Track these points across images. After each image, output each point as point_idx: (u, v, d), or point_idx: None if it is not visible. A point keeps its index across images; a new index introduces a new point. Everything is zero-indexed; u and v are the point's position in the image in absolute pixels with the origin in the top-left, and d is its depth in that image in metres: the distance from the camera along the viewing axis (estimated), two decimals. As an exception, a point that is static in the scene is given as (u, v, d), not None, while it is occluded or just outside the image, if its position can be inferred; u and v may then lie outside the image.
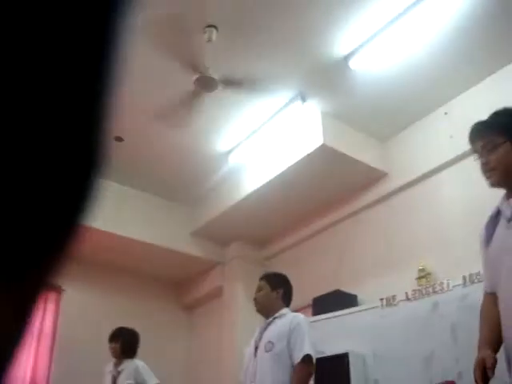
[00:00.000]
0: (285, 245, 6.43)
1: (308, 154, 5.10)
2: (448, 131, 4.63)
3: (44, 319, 6.19)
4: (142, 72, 4.64)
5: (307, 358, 3.10)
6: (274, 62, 4.51)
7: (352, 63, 4.44)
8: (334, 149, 5.06)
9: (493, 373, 1.85)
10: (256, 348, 3.28)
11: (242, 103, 4.98)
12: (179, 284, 7.51)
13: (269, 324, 3.34)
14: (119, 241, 6.22)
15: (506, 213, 1.95)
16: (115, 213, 6.17)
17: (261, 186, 5.62)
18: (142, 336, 6.71)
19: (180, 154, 5.75)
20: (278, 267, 6.52)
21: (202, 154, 5.75)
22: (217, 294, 6.88)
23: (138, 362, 4.79)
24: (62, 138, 0.35)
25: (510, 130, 2.00)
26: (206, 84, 4.56)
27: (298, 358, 3.10)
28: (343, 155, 5.12)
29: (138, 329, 6.66)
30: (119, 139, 5.54)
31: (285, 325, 3.25)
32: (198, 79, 4.52)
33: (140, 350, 6.51)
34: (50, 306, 6.30)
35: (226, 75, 4.57)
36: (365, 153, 5.30)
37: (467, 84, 4.68)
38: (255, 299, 3.50)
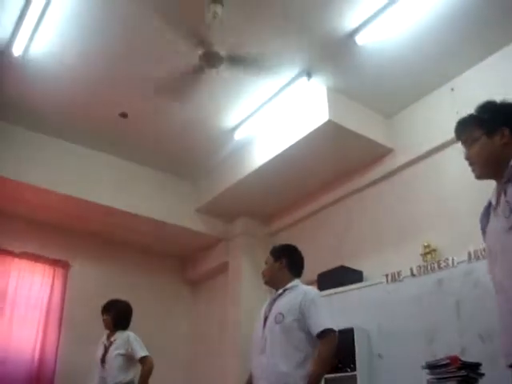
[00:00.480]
0: (289, 221, 6.45)
1: (314, 130, 5.09)
2: (454, 107, 4.60)
3: (52, 294, 6.26)
4: (147, 47, 4.62)
5: (328, 332, 3.06)
6: (279, 37, 4.47)
7: (358, 39, 4.39)
8: (340, 125, 5.04)
9: None
10: (265, 319, 3.22)
11: (248, 79, 4.96)
12: (184, 259, 7.56)
13: (279, 295, 3.28)
14: (125, 217, 6.26)
15: (492, 201, 2.01)
16: (120, 188, 6.21)
17: (266, 163, 5.62)
18: (148, 310, 6.80)
19: (185, 129, 5.74)
20: (283, 242, 6.54)
21: (207, 129, 5.75)
22: (222, 269, 6.92)
23: (129, 333, 4.81)
24: None
25: (485, 124, 2.05)
26: (211, 60, 4.52)
27: (317, 332, 3.05)
28: (349, 131, 5.10)
29: (143, 303, 6.75)
30: (124, 115, 5.54)
31: (296, 297, 3.19)
32: (203, 54, 4.49)
33: (145, 324, 6.58)
34: (58, 282, 6.36)
35: (232, 51, 4.53)
36: (370, 129, 5.28)
37: (474, 60, 4.63)
38: (262, 273, 3.48)
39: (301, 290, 3.27)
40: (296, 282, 3.35)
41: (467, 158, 2.11)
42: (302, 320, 3.11)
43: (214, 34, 4.34)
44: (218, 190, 6.33)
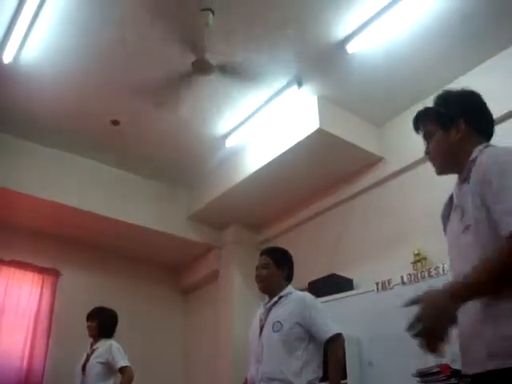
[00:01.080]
0: (280, 229, 6.45)
1: (304, 138, 5.10)
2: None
3: (41, 302, 6.21)
4: (139, 54, 4.62)
5: (337, 337, 3.07)
6: (270, 46, 4.48)
7: (349, 47, 4.41)
8: (330, 133, 5.06)
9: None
10: (261, 328, 3.19)
11: (239, 87, 4.96)
12: (176, 268, 7.53)
13: (275, 303, 3.24)
14: (116, 225, 6.24)
15: (454, 199, 1.90)
16: (111, 196, 6.19)
17: (257, 170, 5.62)
18: (139, 319, 6.77)
19: (177, 137, 5.74)
20: (277, 246, 6.54)
21: (198, 137, 5.74)
22: (213, 277, 6.90)
23: (112, 342, 4.77)
24: None
25: (440, 118, 1.95)
26: (202, 68, 4.53)
27: (326, 338, 3.05)
28: (339, 139, 5.11)
29: (134, 312, 6.73)
30: (116, 123, 5.52)
31: (294, 305, 3.17)
32: (195, 62, 4.49)
33: (137, 333, 6.57)
34: (47, 290, 6.32)
35: (223, 60, 4.54)
36: (361, 137, 5.30)
37: (465, 68, 4.65)
38: (260, 277, 3.37)
39: (296, 297, 3.25)
40: (290, 288, 3.33)
41: (426, 152, 2.02)
42: (304, 327, 3.08)
43: (206, 42, 4.35)
44: (210, 198, 6.32)
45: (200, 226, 6.76)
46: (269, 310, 3.24)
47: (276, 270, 3.35)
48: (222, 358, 6.18)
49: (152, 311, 7.09)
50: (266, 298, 3.37)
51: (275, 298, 3.26)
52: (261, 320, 3.24)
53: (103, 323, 4.86)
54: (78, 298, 6.27)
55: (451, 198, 1.94)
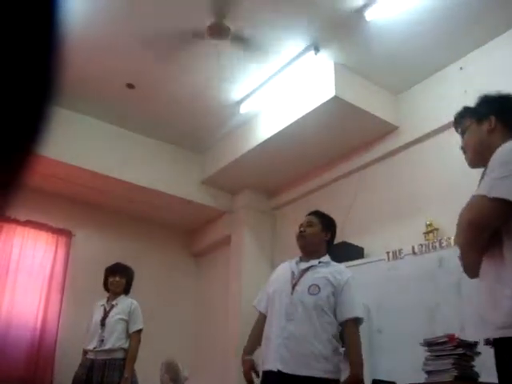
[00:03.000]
0: (293, 195, 6.46)
1: (319, 106, 5.06)
2: (462, 86, 4.57)
3: (55, 262, 6.30)
4: (155, 10, 4.57)
5: (359, 320, 3.04)
6: (288, 11, 4.43)
7: (368, 14, 4.35)
8: (346, 101, 5.02)
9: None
10: (293, 286, 3.08)
11: (255, 53, 4.92)
12: (188, 231, 7.59)
13: (312, 266, 3.15)
14: (129, 188, 6.27)
15: None
16: (125, 160, 6.21)
17: (271, 137, 5.61)
18: (151, 281, 6.86)
19: (192, 102, 5.72)
20: (285, 217, 6.60)
21: (214, 102, 5.72)
22: (225, 242, 6.96)
23: (133, 301, 4.86)
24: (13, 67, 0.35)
25: (474, 112, 2.18)
26: (219, 31, 4.49)
27: (348, 317, 3.00)
28: (355, 107, 5.07)
29: (146, 274, 6.82)
30: (131, 86, 5.51)
31: (332, 274, 3.09)
32: (211, 25, 4.45)
33: (149, 293, 6.67)
34: (61, 250, 6.40)
35: (240, 24, 4.50)
36: (376, 106, 5.26)
37: (484, 39, 4.58)
38: (303, 233, 3.25)
39: (336, 268, 3.17)
40: (328, 258, 3.24)
41: (462, 147, 2.21)
42: (333, 300, 3.02)
43: (224, 5, 4.30)
44: (224, 163, 6.33)
45: (213, 190, 6.79)
46: (304, 271, 3.15)
47: (321, 231, 3.27)
48: (232, 321, 6.26)
49: (164, 274, 7.18)
50: (298, 258, 3.27)
51: (314, 262, 3.16)
52: (293, 278, 3.13)
53: (130, 281, 4.95)
54: (92, 258, 6.36)
55: None
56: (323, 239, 3.27)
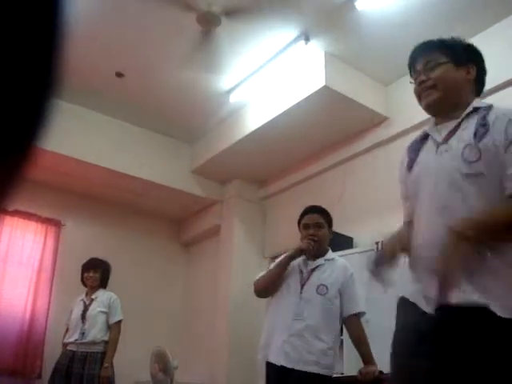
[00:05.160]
0: (283, 185, 6.46)
1: (309, 95, 5.06)
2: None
3: (44, 252, 6.27)
4: (143, 6, 4.54)
5: (362, 315, 3.16)
6: (278, 0, 4.41)
7: (358, 3, 4.34)
8: (336, 90, 5.01)
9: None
10: (302, 286, 3.16)
11: (245, 41, 4.90)
12: (178, 221, 7.58)
13: (320, 265, 3.21)
14: (118, 177, 6.24)
15: (437, 138, 1.87)
16: (115, 149, 6.18)
17: (261, 126, 5.60)
18: (140, 270, 6.86)
19: (181, 91, 5.69)
20: (275, 207, 6.60)
21: (203, 91, 5.70)
22: (214, 232, 6.95)
23: (112, 294, 4.98)
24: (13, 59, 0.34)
25: (454, 52, 1.93)
26: (208, 20, 4.46)
27: (353, 312, 3.13)
28: (345, 97, 5.07)
29: (136, 263, 6.82)
30: (120, 75, 5.48)
31: (337, 271, 3.18)
32: (200, 16, 4.43)
33: (138, 284, 6.68)
34: (50, 240, 6.37)
35: (229, 13, 4.47)
36: (367, 96, 5.25)
37: (478, 28, 4.57)
38: (317, 236, 3.23)
39: (341, 264, 3.25)
40: (331, 253, 3.32)
41: (425, 80, 1.91)
42: (339, 297, 3.13)
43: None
44: (213, 152, 6.31)
45: (203, 180, 6.77)
46: (312, 270, 3.21)
47: (328, 231, 3.32)
48: (221, 311, 6.28)
49: (153, 263, 7.17)
50: (303, 257, 3.30)
51: (321, 261, 3.24)
52: (302, 278, 3.21)
53: (105, 274, 5.01)
54: (81, 248, 6.33)
55: (425, 137, 1.95)
56: (328, 237, 3.34)
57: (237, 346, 5.95)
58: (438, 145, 1.85)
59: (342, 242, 5.07)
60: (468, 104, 1.86)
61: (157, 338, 6.12)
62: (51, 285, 6.20)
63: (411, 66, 2.04)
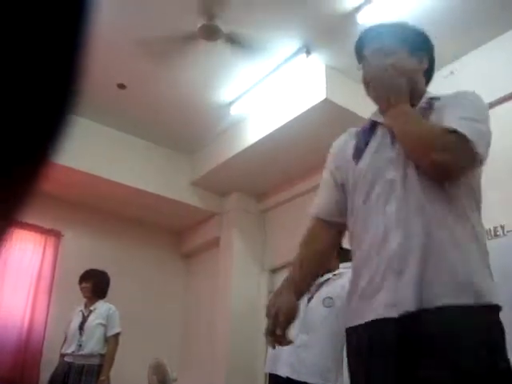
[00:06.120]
0: (282, 199, 6.46)
1: (310, 108, 5.07)
2: (452, 91, 4.58)
3: (43, 263, 6.26)
4: (145, 19, 4.56)
5: None
6: (279, 12, 4.43)
7: (359, 17, 4.36)
8: (337, 103, 5.02)
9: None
10: (309, 300, 3.17)
11: (246, 54, 4.92)
12: (177, 232, 7.57)
13: (328, 280, 3.23)
14: (118, 188, 6.25)
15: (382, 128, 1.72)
16: (114, 160, 6.18)
17: (261, 139, 5.61)
18: (140, 282, 6.84)
19: (183, 103, 5.71)
20: (275, 220, 6.60)
21: (204, 103, 5.71)
22: (214, 244, 6.94)
23: (111, 306, 4.92)
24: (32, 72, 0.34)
25: (407, 39, 1.78)
26: (210, 32, 4.49)
27: None
28: (346, 110, 5.08)
29: (135, 274, 6.79)
30: (122, 86, 5.49)
31: (345, 284, 3.14)
32: (202, 27, 4.45)
33: (137, 295, 6.65)
34: (49, 251, 6.36)
35: (231, 25, 4.49)
36: (367, 109, 5.23)
37: (475, 43, 4.60)
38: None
39: (348, 276, 3.22)
40: (340, 268, 3.32)
41: (383, 65, 1.71)
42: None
43: (215, 7, 4.29)
44: (213, 165, 6.32)
45: (202, 192, 6.77)
46: (320, 285, 3.22)
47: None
48: (220, 323, 6.25)
49: (153, 274, 7.15)
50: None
51: (329, 275, 3.25)
52: (309, 291, 3.16)
53: (97, 284, 4.95)
54: (80, 259, 6.32)
55: (373, 126, 1.82)
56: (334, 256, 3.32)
57: (236, 358, 5.92)
58: (390, 138, 1.67)
59: (344, 256, 5.04)
60: (421, 94, 1.76)
61: (156, 349, 6.09)
62: (50, 295, 6.17)
63: (359, 51, 1.86)
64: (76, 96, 0.36)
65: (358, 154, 1.75)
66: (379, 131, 1.75)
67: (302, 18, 4.50)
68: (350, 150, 1.81)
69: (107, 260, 6.04)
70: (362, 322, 1.55)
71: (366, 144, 1.75)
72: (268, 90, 5.40)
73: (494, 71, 4.34)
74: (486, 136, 1.57)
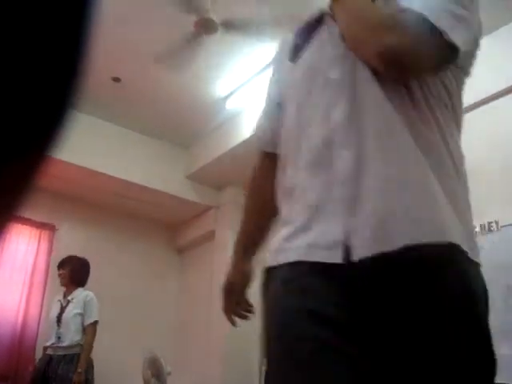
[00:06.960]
0: (278, 192, 6.45)
1: (306, 103, 5.05)
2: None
3: (37, 257, 6.24)
4: (140, 12, 4.54)
5: None
6: (275, 5, 4.41)
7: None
8: (333, 98, 5.01)
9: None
10: None
11: (242, 48, 4.90)
12: (173, 226, 7.56)
13: None
14: (113, 182, 6.23)
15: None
16: (109, 153, 6.16)
17: (257, 133, 5.59)
18: (135, 275, 6.83)
19: (178, 96, 5.69)
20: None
21: (200, 97, 5.70)
22: (209, 237, 6.94)
23: (89, 293, 4.79)
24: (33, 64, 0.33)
25: None
26: (206, 26, 4.46)
27: None
28: (342, 105, 5.07)
29: (130, 268, 6.78)
30: (116, 80, 5.47)
31: None
32: (198, 21, 4.42)
33: (131, 289, 6.64)
34: (44, 245, 6.34)
35: (227, 18, 4.47)
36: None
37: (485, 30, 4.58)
38: None
39: None
40: None
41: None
42: None
43: (209, 1, 4.27)
44: (209, 158, 6.31)
45: (198, 185, 6.76)
46: None
47: None
48: (215, 316, 6.25)
49: (148, 268, 7.15)
50: None
51: None
52: None
53: (75, 271, 4.83)
54: (75, 253, 6.23)
55: (320, 19, 1.36)
56: None
57: (231, 351, 5.93)
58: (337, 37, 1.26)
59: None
60: None
61: (150, 343, 6.09)
62: (44, 289, 6.16)
63: None
64: (77, 90, 0.35)
65: (295, 54, 1.34)
66: (326, 26, 1.32)
67: (297, 10, 4.47)
68: (287, 50, 1.40)
69: (101, 253, 6.03)
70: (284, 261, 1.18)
71: (308, 42, 1.32)
72: (264, 84, 5.37)
73: (490, 66, 4.33)
74: (466, 22, 1.17)
